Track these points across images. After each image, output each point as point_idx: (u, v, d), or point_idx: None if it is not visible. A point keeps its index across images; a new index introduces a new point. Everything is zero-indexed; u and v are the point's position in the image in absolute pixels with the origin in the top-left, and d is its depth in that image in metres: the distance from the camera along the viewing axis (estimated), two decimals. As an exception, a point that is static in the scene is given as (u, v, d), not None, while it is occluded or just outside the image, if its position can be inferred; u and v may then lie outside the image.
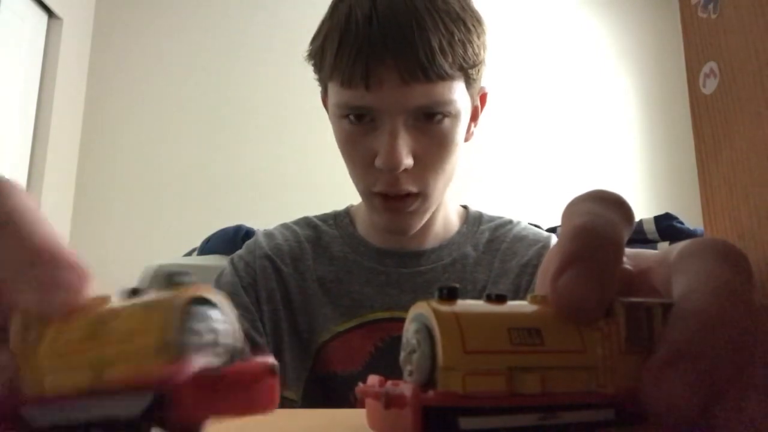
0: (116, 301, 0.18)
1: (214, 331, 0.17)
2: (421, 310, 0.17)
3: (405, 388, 0.16)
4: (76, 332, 0.17)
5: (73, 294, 0.18)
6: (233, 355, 0.17)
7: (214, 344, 0.17)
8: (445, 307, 0.17)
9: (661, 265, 0.20)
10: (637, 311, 0.18)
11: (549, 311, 0.18)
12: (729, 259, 0.18)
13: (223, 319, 0.17)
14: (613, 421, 0.17)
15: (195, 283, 0.17)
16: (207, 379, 0.15)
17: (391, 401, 0.17)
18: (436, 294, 0.17)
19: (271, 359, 0.17)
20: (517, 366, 0.16)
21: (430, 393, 0.16)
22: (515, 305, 0.18)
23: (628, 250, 0.22)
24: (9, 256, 0.18)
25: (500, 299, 0.18)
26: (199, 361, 0.16)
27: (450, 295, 0.17)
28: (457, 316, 0.16)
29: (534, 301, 0.18)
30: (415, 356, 0.17)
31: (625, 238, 0.20)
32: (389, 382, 0.18)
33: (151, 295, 0.17)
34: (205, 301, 0.17)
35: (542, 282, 0.22)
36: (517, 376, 0.16)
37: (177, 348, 0.16)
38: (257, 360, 0.17)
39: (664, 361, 0.17)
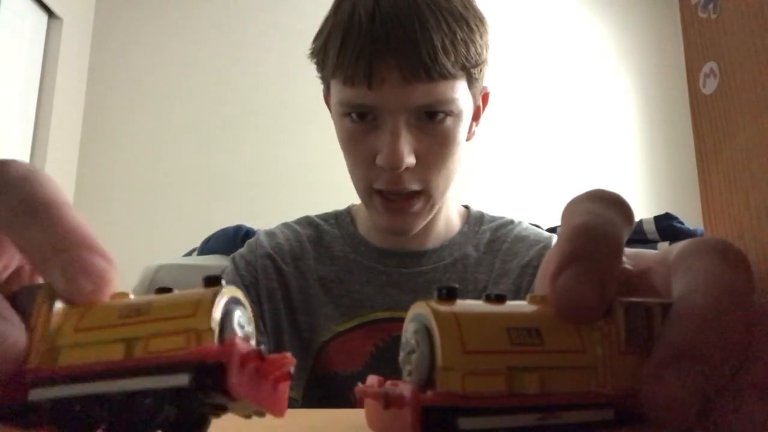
0: (143, 296, 0.18)
1: (244, 328, 0.18)
2: (421, 310, 0.17)
3: (404, 388, 0.16)
4: (106, 314, 0.17)
5: (103, 281, 0.18)
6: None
7: (247, 338, 0.18)
8: (444, 307, 0.17)
9: (661, 265, 0.20)
10: (637, 311, 0.18)
11: (548, 311, 0.18)
12: (728, 259, 0.18)
13: (248, 321, 0.18)
14: (613, 421, 0.17)
15: (228, 286, 0.18)
16: (254, 360, 0.16)
17: (390, 401, 0.17)
18: (436, 294, 0.17)
19: (291, 358, 0.18)
20: (517, 366, 0.16)
21: (430, 393, 0.16)
22: (515, 305, 0.18)
23: (628, 250, 0.22)
24: (43, 239, 0.19)
25: (499, 299, 0.18)
26: (244, 345, 0.17)
27: (449, 295, 0.17)
28: (457, 316, 0.16)
29: (533, 301, 0.18)
30: (414, 356, 0.17)
31: (625, 238, 0.20)
32: (388, 382, 0.18)
33: (187, 291, 0.18)
34: (237, 302, 0.18)
35: (542, 282, 0.22)
36: (517, 376, 0.16)
37: (224, 330, 0.17)
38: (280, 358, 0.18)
39: (663, 362, 0.17)
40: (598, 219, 0.19)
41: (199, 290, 0.18)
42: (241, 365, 0.16)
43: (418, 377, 0.17)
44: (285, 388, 0.18)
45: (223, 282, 0.18)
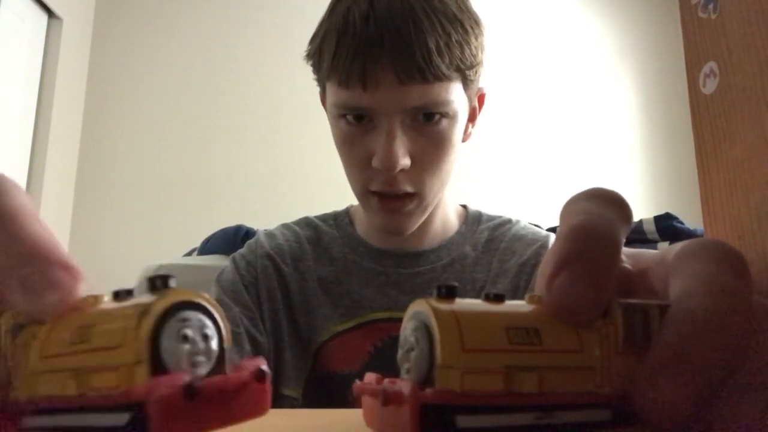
0: (107, 302, 0.18)
1: (197, 337, 0.16)
2: (420, 308, 0.17)
3: (403, 385, 0.16)
4: (64, 334, 0.17)
5: (65, 294, 0.17)
6: (220, 358, 0.17)
7: (195, 352, 0.16)
8: (443, 306, 0.17)
9: (660, 265, 0.20)
10: (635, 312, 0.18)
11: (547, 311, 0.18)
12: (725, 260, 0.18)
13: (208, 324, 0.17)
14: (610, 422, 0.17)
15: (177, 288, 0.16)
16: (185, 394, 0.15)
17: (388, 398, 0.16)
18: (435, 293, 0.17)
19: (259, 363, 0.17)
20: (515, 365, 0.16)
21: (429, 391, 0.16)
22: (513, 304, 0.18)
23: (627, 250, 0.22)
24: (2, 252, 0.18)
25: (498, 298, 0.18)
26: (178, 374, 0.15)
27: (448, 293, 0.17)
28: (456, 315, 0.16)
29: (532, 300, 0.18)
30: (413, 354, 0.17)
31: (623, 237, 0.20)
32: (386, 380, 0.18)
33: (137, 299, 0.17)
34: (190, 305, 0.17)
35: (541, 282, 0.22)
36: (515, 375, 0.16)
37: (153, 361, 0.15)
38: (245, 366, 0.17)
39: (658, 364, 0.16)
40: (596, 219, 0.19)
41: (136, 305, 0.16)
42: (171, 405, 0.15)
43: (416, 375, 0.17)
44: (254, 392, 0.17)
45: (171, 283, 0.16)
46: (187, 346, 0.16)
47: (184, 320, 0.16)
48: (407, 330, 0.18)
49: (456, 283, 0.17)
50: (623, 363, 0.17)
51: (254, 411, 0.17)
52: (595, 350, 0.17)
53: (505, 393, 0.16)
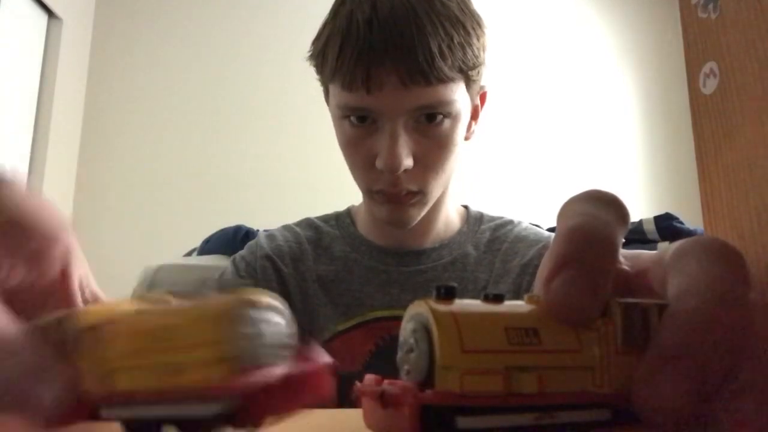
0: (168, 301, 0.18)
1: (271, 332, 0.17)
2: (419, 309, 0.17)
3: (402, 387, 0.16)
4: (140, 334, 0.17)
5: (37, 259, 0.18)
6: (289, 352, 0.18)
7: (272, 345, 0.17)
8: (443, 307, 0.17)
9: (658, 265, 0.20)
10: (634, 312, 0.18)
11: (546, 311, 0.18)
12: (723, 258, 0.18)
13: (278, 320, 0.18)
14: (610, 421, 0.17)
15: (246, 287, 0.18)
16: (274, 386, 0.16)
17: (389, 400, 0.17)
18: (434, 293, 0.17)
19: (328, 359, 0.18)
20: (515, 365, 0.16)
21: (429, 392, 0.16)
22: (513, 305, 0.18)
23: (626, 252, 0.22)
24: None
25: (497, 299, 0.18)
26: (263, 369, 0.16)
27: (447, 294, 0.17)
28: (455, 316, 0.16)
29: (531, 301, 0.18)
30: (412, 355, 0.17)
31: (620, 238, 0.20)
32: (386, 381, 0.18)
33: (205, 300, 0.17)
34: (260, 304, 0.18)
35: (539, 283, 0.22)
36: (515, 375, 0.16)
37: (239, 359, 0.16)
38: (315, 359, 0.18)
39: (655, 364, 0.17)
40: (592, 220, 0.19)
41: (214, 304, 0.17)
42: (263, 396, 0.16)
43: (416, 376, 0.17)
44: (326, 382, 0.18)
45: (241, 284, 0.18)
46: (262, 341, 0.17)
47: (258, 318, 0.17)
48: (406, 331, 0.18)
49: (455, 284, 0.17)
50: (623, 362, 0.17)
51: (324, 397, 0.18)
52: (594, 350, 0.17)
53: (504, 394, 0.16)
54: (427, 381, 0.16)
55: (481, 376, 0.16)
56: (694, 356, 0.16)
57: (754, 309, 0.17)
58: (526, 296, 0.19)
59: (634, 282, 0.21)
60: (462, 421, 0.16)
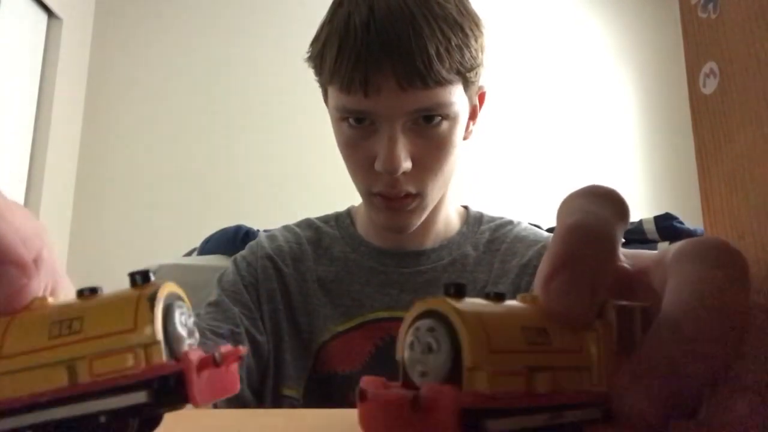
0: (67, 304, 0.18)
1: (186, 326, 0.18)
2: (437, 307, 0.16)
3: (437, 389, 0.15)
4: (35, 333, 0.17)
5: (13, 292, 0.17)
6: (196, 339, 0.19)
7: (190, 334, 0.18)
8: (464, 305, 0.16)
9: (659, 265, 0.20)
10: (629, 314, 0.18)
11: (545, 312, 0.18)
12: (720, 261, 0.18)
13: (188, 313, 0.18)
14: (603, 419, 0.17)
15: (158, 281, 0.18)
16: (207, 365, 0.17)
17: (420, 404, 0.15)
18: (444, 291, 0.17)
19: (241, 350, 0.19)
20: (533, 365, 0.16)
21: (466, 394, 0.15)
22: (514, 304, 0.18)
23: (627, 251, 0.22)
24: None
25: (499, 297, 0.17)
26: (194, 350, 0.17)
27: (458, 292, 0.17)
28: (480, 315, 0.16)
29: (524, 300, 0.18)
30: (431, 356, 0.16)
31: (620, 234, 0.20)
32: (394, 384, 0.18)
33: (116, 293, 0.17)
34: (173, 296, 0.18)
35: (538, 284, 0.22)
36: (533, 375, 0.16)
37: (168, 335, 0.17)
38: (224, 347, 0.18)
39: (633, 374, 0.16)
40: (591, 217, 0.19)
41: (132, 294, 0.17)
42: (197, 375, 0.16)
43: (435, 378, 0.16)
44: (235, 367, 0.19)
45: (152, 276, 0.17)
46: (188, 327, 0.18)
47: (181, 307, 0.18)
48: (421, 330, 0.17)
49: (464, 282, 0.17)
50: (619, 362, 0.17)
51: (233, 388, 0.18)
52: (593, 349, 0.17)
53: (525, 394, 0.16)
54: (447, 382, 0.16)
55: (507, 376, 0.15)
56: (673, 370, 0.16)
57: (750, 312, 0.17)
58: (519, 296, 0.18)
59: (635, 280, 0.21)
60: (492, 424, 0.15)
